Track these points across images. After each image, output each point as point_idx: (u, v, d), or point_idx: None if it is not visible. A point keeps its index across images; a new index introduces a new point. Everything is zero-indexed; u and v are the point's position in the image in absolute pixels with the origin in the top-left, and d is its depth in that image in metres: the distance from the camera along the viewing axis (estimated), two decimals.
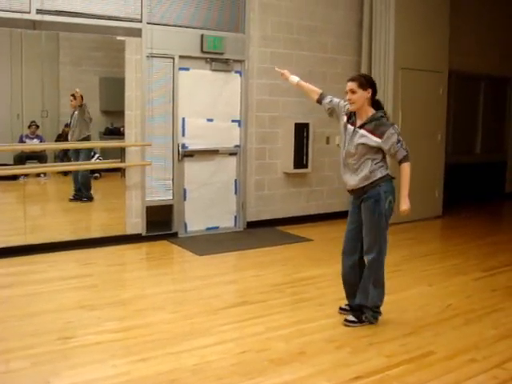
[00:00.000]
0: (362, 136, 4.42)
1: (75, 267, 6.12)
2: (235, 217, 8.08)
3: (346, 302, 4.84)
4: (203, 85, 7.59)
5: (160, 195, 7.40)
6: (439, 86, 9.25)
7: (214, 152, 7.76)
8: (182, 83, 7.39)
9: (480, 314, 4.92)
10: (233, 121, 7.90)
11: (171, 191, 7.47)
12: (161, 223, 7.46)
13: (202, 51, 7.47)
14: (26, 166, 7.27)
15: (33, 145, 7.34)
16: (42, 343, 4.09)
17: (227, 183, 7.96)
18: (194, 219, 7.71)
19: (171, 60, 7.27)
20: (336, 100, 4.77)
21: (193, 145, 7.57)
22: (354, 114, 4.54)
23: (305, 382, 3.60)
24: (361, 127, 4.44)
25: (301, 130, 8.32)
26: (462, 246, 7.50)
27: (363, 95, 4.42)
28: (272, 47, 8.09)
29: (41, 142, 7.27)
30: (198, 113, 7.58)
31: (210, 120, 7.69)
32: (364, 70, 8.79)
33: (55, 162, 7.62)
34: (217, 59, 7.62)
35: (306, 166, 8.46)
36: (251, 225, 8.15)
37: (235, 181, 8.02)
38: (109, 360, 3.86)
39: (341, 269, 4.79)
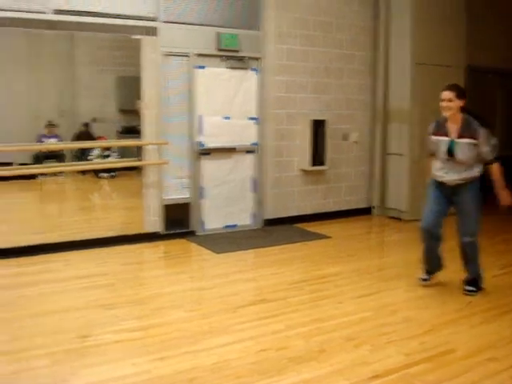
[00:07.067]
0: (465, 144, 5.02)
1: (93, 266, 6.14)
2: (253, 214, 8.07)
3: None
4: (219, 83, 7.58)
5: (177, 193, 7.41)
6: (456, 81, 9.12)
7: (231, 150, 7.75)
8: (198, 81, 7.38)
9: (497, 313, 4.87)
10: (250, 118, 7.88)
11: (188, 189, 7.47)
12: (178, 221, 7.46)
13: (218, 49, 7.45)
14: (44, 165, 7.32)
15: (49, 144, 7.38)
16: (60, 342, 4.11)
17: (244, 181, 7.95)
18: (212, 217, 7.71)
19: (187, 58, 7.26)
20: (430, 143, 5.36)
21: (210, 143, 7.57)
22: (440, 124, 5.18)
23: (323, 381, 3.58)
24: (460, 137, 5.03)
25: (318, 127, 8.28)
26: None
27: (458, 104, 5.01)
28: (288, 44, 8.06)
29: (58, 141, 7.31)
30: (214, 111, 7.57)
31: (227, 118, 7.68)
32: (380, 66, 8.75)
33: (73, 161, 7.67)
34: (233, 57, 7.60)
35: (323, 163, 8.43)
36: (269, 222, 8.14)
37: (252, 179, 8.00)
38: (127, 359, 3.86)
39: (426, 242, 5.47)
